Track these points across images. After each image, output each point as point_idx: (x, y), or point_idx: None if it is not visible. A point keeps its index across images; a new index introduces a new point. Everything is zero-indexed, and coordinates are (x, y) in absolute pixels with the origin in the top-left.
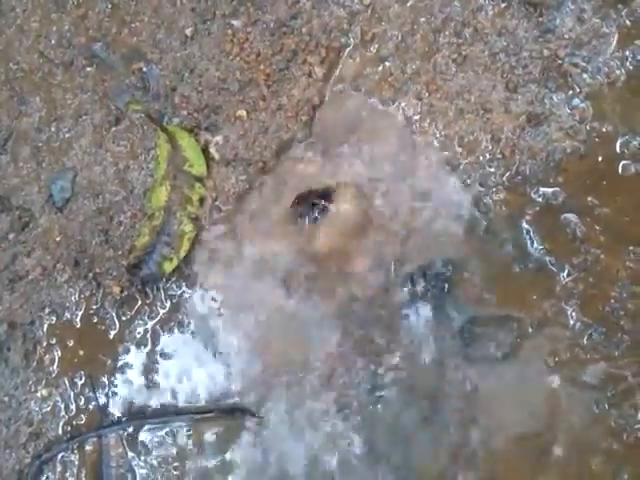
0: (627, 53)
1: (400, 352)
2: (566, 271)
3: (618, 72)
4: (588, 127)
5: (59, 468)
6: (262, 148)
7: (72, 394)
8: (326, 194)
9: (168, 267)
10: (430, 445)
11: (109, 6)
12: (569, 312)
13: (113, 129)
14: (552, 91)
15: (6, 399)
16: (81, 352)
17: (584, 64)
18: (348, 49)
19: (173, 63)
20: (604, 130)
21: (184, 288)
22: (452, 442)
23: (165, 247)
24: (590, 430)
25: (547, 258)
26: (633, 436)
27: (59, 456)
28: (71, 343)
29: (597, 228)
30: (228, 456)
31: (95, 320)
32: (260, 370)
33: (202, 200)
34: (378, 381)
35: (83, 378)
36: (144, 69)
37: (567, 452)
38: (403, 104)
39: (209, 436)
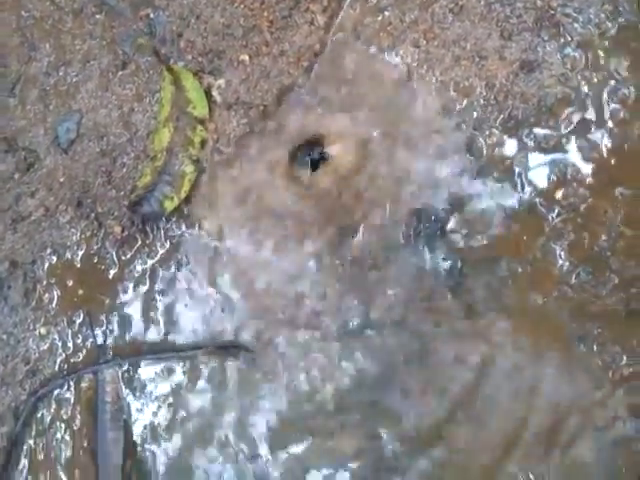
0: (617, 5)
1: (392, 290)
2: (555, 212)
3: (608, 24)
4: (579, 75)
5: (54, 405)
6: (263, 92)
7: (70, 332)
8: (324, 139)
9: (169, 205)
10: (421, 380)
11: None
12: (558, 252)
13: (120, 73)
14: (545, 40)
15: (4, 337)
16: (80, 291)
17: (575, 15)
18: None
19: (179, 9)
20: (594, 78)
21: (183, 228)
22: (443, 378)
23: (166, 186)
24: (576, 367)
25: (537, 199)
26: (618, 373)
27: (54, 393)
28: (71, 283)
29: (586, 170)
30: (223, 392)
31: (95, 260)
32: (255, 308)
33: (203, 142)
34: (370, 317)
35: (82, 316)
36: (151, 15)
37: (553, 392)
38: (401, 52)
39: (204, 372)
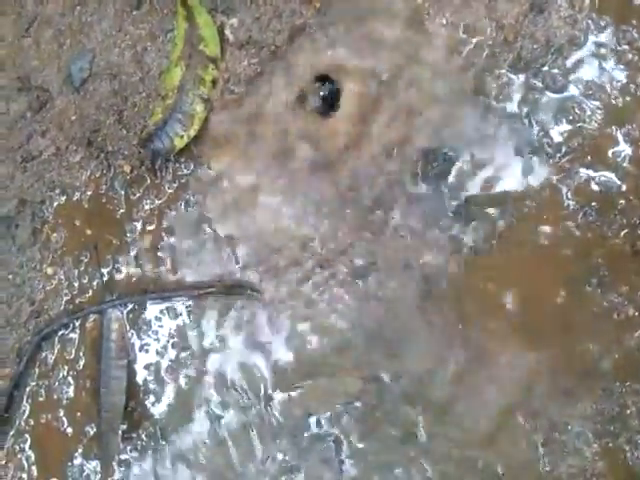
0: None
1: (398, 231)
2: (562, 151)
3: None
4: (586, 16)
5: (58, 346)
6: (275, 32)
7: (76, 272)
8: (336, 78)
9: (179, 143)
10: (425, 323)
11: None
12: (564, 192)
13: (134, 13)
14: None
15: (10, 277)
16: (88, 231)
17: None
18: None
19: None
20: (601, 20)
21: (192, 168)
22: (446, 317)
23: (177, 124)
24: (581, 309)
25: (545, 139)
26: (623, 314)
27: (58, 334)
28: (78, 223)
29: (593, 110)
30: (228, 332)
31: (104, 200)
32: (262, 248)
33: (214, 81)
34: (375, 259)
35: (88, 256)
36: None
37: (557, 330)
38: None
39: (210, 312)
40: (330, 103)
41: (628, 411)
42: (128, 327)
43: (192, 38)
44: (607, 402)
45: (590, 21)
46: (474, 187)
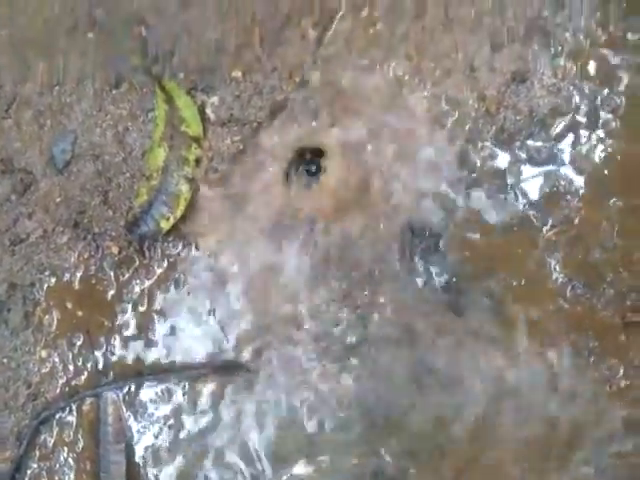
0: (607, 13)
1: (389, 306)
2: (549, 224)
3: (598, 32)
4: (570, 84)
5: (56, 429)
6: (257, 109)
7: (70, 355)
8: (318, 154)
9: (165, 225)
10: (417, 398)
11: None
12: (552, 265)
13: (113, 92)
14: (535, 50)
15: (5, 361)
16: (80, 313)
17: (566, 24)
18: (340, 12)
19: (171, 27)
20: (585, 87)
21: (180, 247)
22: (438, 397)
23: (162, 206)
24: (575, 379)
25: (531, 212)
26: (615, 385)
27: (56, 417)
28: (70, 304)
29: (579, 182)
30: (223, 411)
31: (93, 281)
32: (254, 326)
33: (198, 160)
34: (367, 333)
35: (81, 339)
36: (143, 33)
37: (551, 399)
38: (393, 64)
39: (204, 392)
40: (315, 176)
41: None
42: (125, 409)
43: (173, 119)
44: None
45: (574, 89)
46: (461, 262)
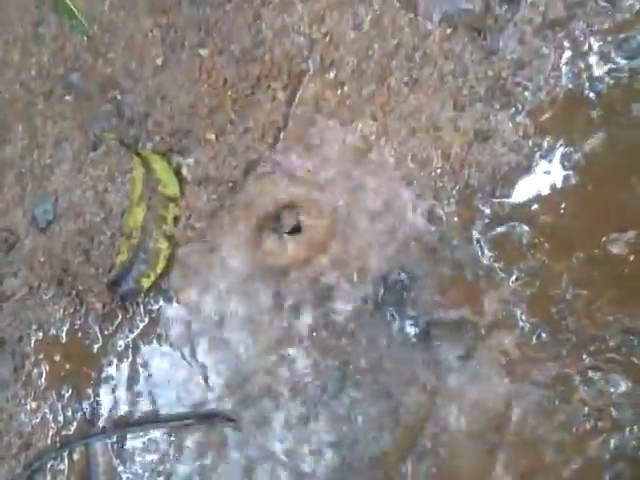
0: (564, 71)
1: (365, 357)
2: (514, 276)
3: (557, 89)
4: (530, 142)
5: (49, 477)
6: (231, 169)
7: (60, 406)
8: (291, 210)
9: (146, 283)
10: (393, 442)
11: (85, 39)
12: (518, 314)
13: (91, 154)
14: (497, 109)
15: None
16: (67, 365)
17: (526, 83)
18: (308, 74)
19: (145, 91)
20: (545, 144)
21: (161, 302)
22: (412, 439)
23: (142, 264)
24: (542, 424)
25: (496, 265)
26: (582, 428)
27: (49, 465)
28: (57, 357)
29: (542, 236)
30: (209, 459)
31: (79, 335)
32: (235, 377)
33: (176, 219)
34: (345, 385)
35: (70, 390)
36: (119, 97)
37: (520, 444)
38: (360, 125)
39: (189, 441)
40: (291, 231)
41: None
42: (114, 457)
43: (150, 181)
44: None
45: (535, 146)
46: (432, 311)
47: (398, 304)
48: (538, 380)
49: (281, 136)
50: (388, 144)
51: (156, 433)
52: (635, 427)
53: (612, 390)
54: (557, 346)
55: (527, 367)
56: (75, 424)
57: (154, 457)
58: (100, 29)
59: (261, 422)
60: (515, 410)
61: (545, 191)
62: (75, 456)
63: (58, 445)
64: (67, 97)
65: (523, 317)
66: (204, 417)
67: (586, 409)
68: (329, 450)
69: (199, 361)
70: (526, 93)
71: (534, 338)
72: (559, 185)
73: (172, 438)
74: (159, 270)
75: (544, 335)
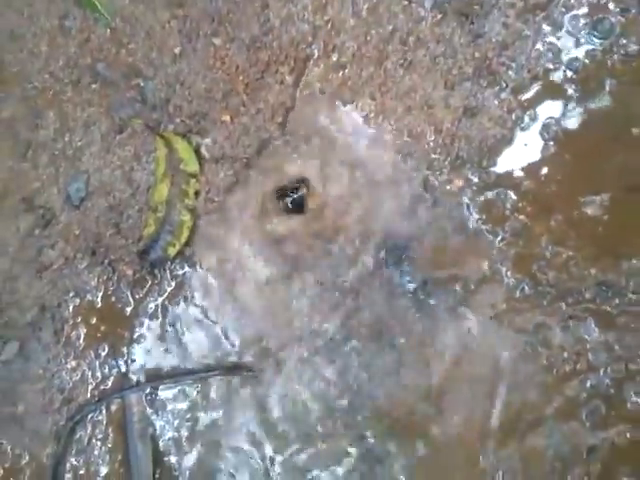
0: (543, 51)
1: (368, 310)
2: (500, 236)
3: (538, 68)
4: (514, 116)
5: (89, 428)
6: (245, 147)
7: (97, 363)
8: (301, 184)
9: (172, 251)
10: (397, 386)
11: (108, 30)
12: (503, 271)
13: (118, 137)
14: (483, 87)
15: (41, 371)
16: (102, 327)
17: (510, 63)
18: (313, 59)
19: (166, 78)
20: (527, 118)
21: (186, 268)
22: (414, 381)
23: (168, 235)
24: (526, 367)
25: (484, 227)
26: (562, 370)
27: (88, 417)
28: (93, 320)
29: (525, 200)
30: (232, 406)
31: (113, 299)
32: (254, 332)
33: (197, 193)
34: (350, 333)
35: (106, 349)
36: (141, 84)
37: (508, 386)
38: (360, 104)
39: (215, 391)
40: (299, 203)
41: None
42: (148, 408)
43: (172, 160)
44: None
45: (518, 120)
46: (427, 270)
47: (397, 264)
48: (522, 328)
49: (289, 116)
50: (385, 121)
51: (184, 384)
52: (609, 369)
53: (588, 336)
54: (539, 298)
55: (512, 317)
56: (111, 379)
57: (183, 406)
58: (122, 21)
59: (278, 371)
60: (503, 355)
61: (527, 160)
62: (112, 408)
63: (97, 399)
64: (93, 85)
65: (508, 273)
66: (227, 369)
67: (565, 354)
68: (338, 393)
69: (221, 320)
70: (510, 72)
71: (518, 292)
72: (540, 154)
73: (199, 388)
74: (183, 240)
75: (527, 289)
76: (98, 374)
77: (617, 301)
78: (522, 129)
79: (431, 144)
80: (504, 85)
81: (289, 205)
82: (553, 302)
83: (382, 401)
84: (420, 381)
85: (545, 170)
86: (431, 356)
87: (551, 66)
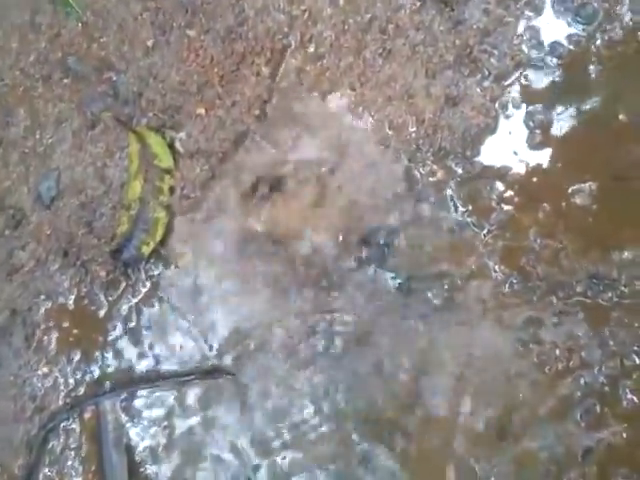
0: (526, 38)
1: (351, 311)
2: (486, 229)
3: (520, 55)
4: (497, 105)
5: (62, 437)
6: (221, 141)
7: (70, 369)
8: (278, 176)
9: (146, 250)
10: (382, 391)
11: (79, 24)
12: (491, 265)
13: (90, 133)
14: (465, 75)
15: (12, 378)
16: (75, 331)
17: (491, 50)
18: (290, 49)
19: (138, 71)
20: (510, 106)
21: (161, 268)
22: (400, 383)
23: (142, 233)
24: (516, 365)
25: (469, 219)
26: (554, 368)
27: (61, 425)
28: (66, 324)
29: (511, 191)
30: (210, 412)
31: (86, 302)
32: (233, 333)
33: (172, 189)
34: (333, 335)
35: (79, 354)
36: (113, 78)
37: (497, 385)
38: (339, 95)
39: (192, 396)
40: (274, 196)
41: None
42: (122, 415)
43: (146, 155)
44: None
45: (501, 108)
46: (412, 266)
47: (378, 260)
48: (512, 324)
49: (266, 109)
50: (365, 112)
51: (160, 390)
52: (603, 365)
53: (580, 332)
54: (528, 293)
55: (501, 313)
56: (85, 385)
57: (159, 413)
58: (93, 15)
59: (257, 375)
60: (492, 353)
61: (512, 149)
62: (86, 415)
63: (70, 406)
64: (65, 80)
65: (496, 267)
66: (206, 372)
67: (557, 350)
68: (320, 398)
69: (198, 320)
70: (492, 59)
71: (506, 286)
72: (525, 143)
73: (176, 394)
74: (158, 238)
75: (516, 283)
76: (71, 380)
77: (609, 294)
78: (506, 117)
79: (413, 135)
80: (486, 73)
81: (265, 199)
82: (543, 297)
83: (366, 402)
84: (406, 381)
85: (531, 159)
86: (417, 355)
87: (534, 53)
